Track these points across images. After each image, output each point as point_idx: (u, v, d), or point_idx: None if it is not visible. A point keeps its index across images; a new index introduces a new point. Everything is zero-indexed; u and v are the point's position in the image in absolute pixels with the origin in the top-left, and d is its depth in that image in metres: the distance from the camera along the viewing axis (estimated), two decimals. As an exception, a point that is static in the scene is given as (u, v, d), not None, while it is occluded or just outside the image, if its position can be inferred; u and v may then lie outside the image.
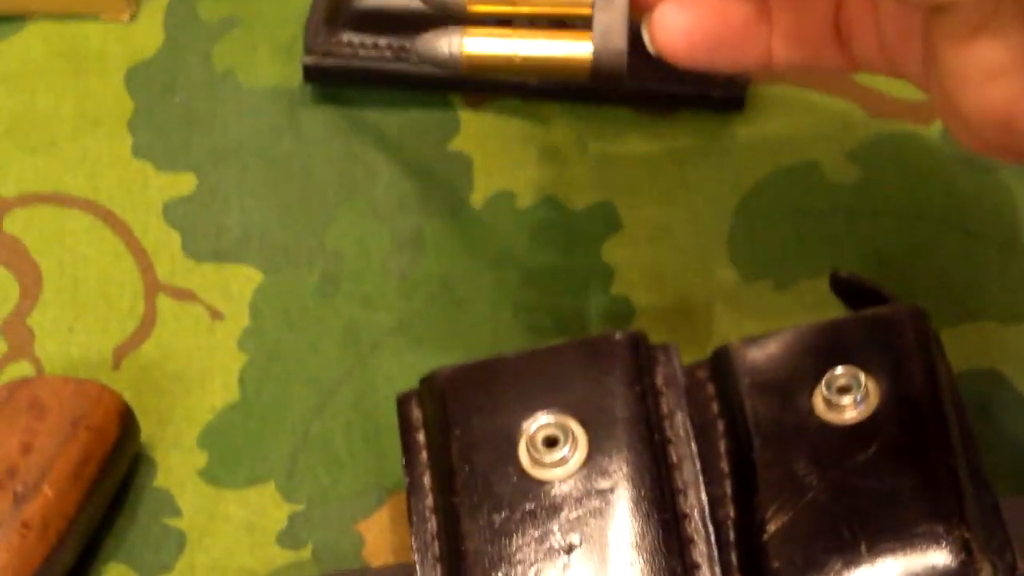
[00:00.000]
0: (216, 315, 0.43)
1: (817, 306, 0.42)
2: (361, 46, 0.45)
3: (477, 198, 0.45)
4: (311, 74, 0.45)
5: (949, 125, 0.31)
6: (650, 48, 0.32)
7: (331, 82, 0.46)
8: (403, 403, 0.37)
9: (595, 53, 0.32)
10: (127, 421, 0.39)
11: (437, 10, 0.33)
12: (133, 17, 0.48)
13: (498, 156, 0.46)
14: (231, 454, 0.41)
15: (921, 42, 0.30)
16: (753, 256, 0.43)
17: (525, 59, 0.33)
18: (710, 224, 0.44)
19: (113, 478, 0.39)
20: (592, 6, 0.32)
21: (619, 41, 0.32)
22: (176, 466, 0.40)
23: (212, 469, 0.40)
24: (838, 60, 0.33)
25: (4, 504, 0.36)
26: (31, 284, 0.43)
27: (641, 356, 0.35)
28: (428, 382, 0.36)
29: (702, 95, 0.45)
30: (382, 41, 0.45)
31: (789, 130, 0.46)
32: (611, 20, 0.32)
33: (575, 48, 0.33)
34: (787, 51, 0.33)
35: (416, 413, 0.36)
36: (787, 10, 0.32)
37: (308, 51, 0.45)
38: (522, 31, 0.33)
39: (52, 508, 0.36)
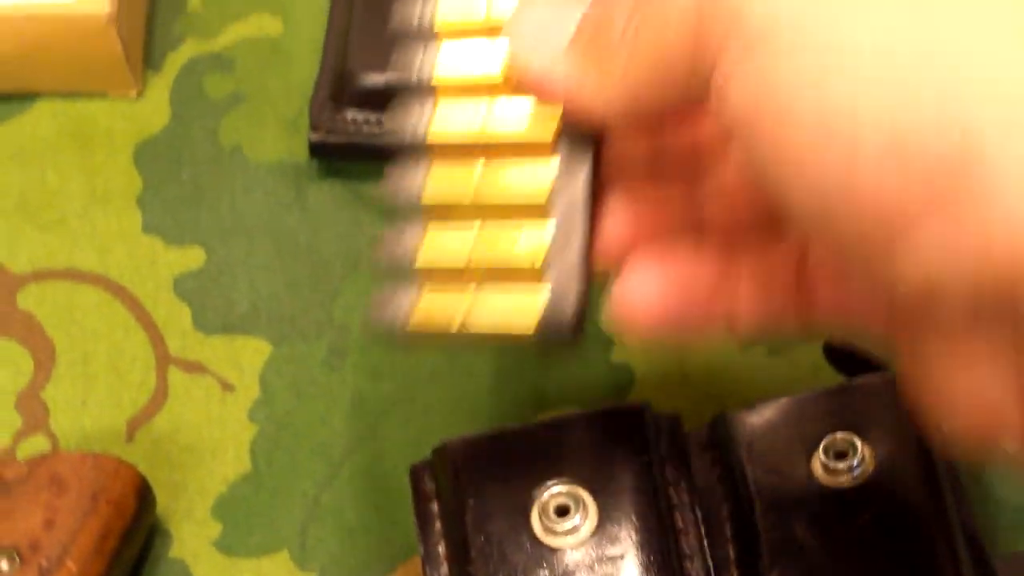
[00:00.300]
0: (227, 387, 0.44)
1: (812, 371, 0.43)
2: (365, 123, 0.47)
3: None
4: (317, 150, 0.47)
5: (917, 399, 0.27)
6: (608, 318, 0.31)
7: (336, 157, 0.47)
8: (415, 474, 0.38)
9: (541, 322, 0.30)
10: (144, 494, 0.40)
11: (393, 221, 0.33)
12: (140, 94, 0.50)
13: (498, 228, 0.47)
14: (244, 524, 0.42)
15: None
16: (747, 323, 0.45)
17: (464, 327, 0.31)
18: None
19: (132, 550, 0.39)
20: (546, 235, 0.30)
21: (569, 308, 0.30)
22: (190, 537, 0.41)
23: (226, 539, 0.41)
24: (802, 318, 0.31)
25: (28, 579, 0.37)
26: (45, 359, 0.44)
27: (648, 427, 0.37)
28: (440, 453, 0.37)
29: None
30: (385, 118, 0.47)
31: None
32: (564, 276, 0.30)
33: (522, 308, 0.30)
34: (751, 311, 0.31)
35: (429, 484, 0.37)
36: (753, 262, 0.31)
37: (314, 128, 0.47)
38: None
39: (75, 582, 0.37)
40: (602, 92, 0.29)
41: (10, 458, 0.41)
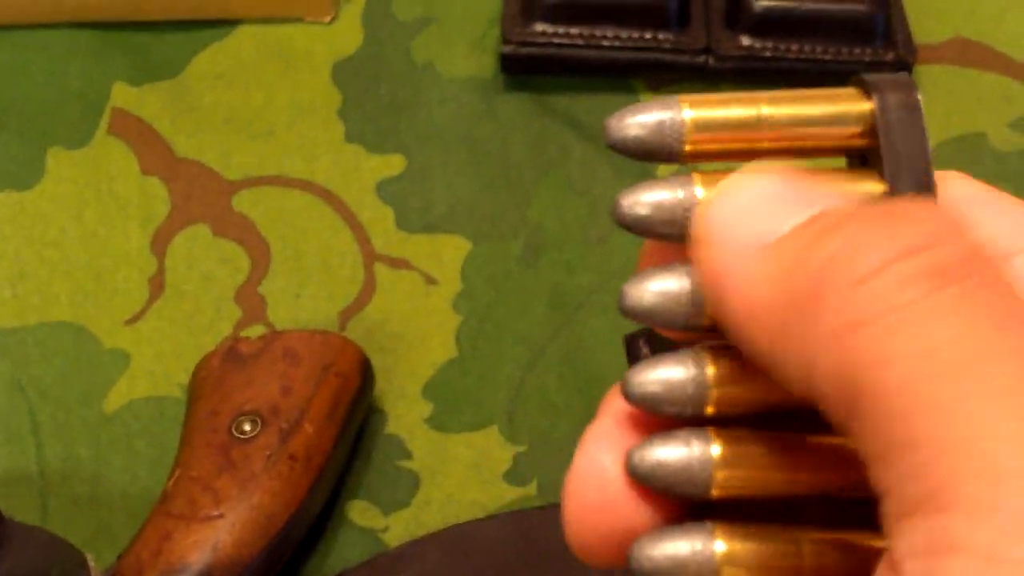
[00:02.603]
0: (430, 281, 0.47)
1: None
2: (555, 35, 0.49)
3: (663, 172, 0.48)
4: (508, 62, 0.50)
5: None
6: None
7: (526, 70, 0.50)
8: (631, 341, 0.40)
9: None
10: (366, 369, 0.43)
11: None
12: (334, 19, 0.53)
13: (681, 134, 0.49)
14: (454, 403, 0.44)
15: None
16: (928, 218, 0.47)
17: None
18: (884, 191, 0.47)
19: (356, 421, 0.42)
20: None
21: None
22: (404, 415, 0.44)
23: (438, 417, 0.44)
24: None
25: (273, 439, 0.39)
26: (260, 257, 0.48)
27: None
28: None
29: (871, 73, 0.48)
30: (574, 30, 0.49)
31: (953, 103, 0.49)
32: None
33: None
34: None
35: (645, 349, 0.39)
36: None
37: (506, 41, 0.49)
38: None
39: (313, 443, 0.40)
40: (799, 351, 0.17)
41: (242, 336, 0.44)
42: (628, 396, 0.20)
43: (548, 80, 0.50)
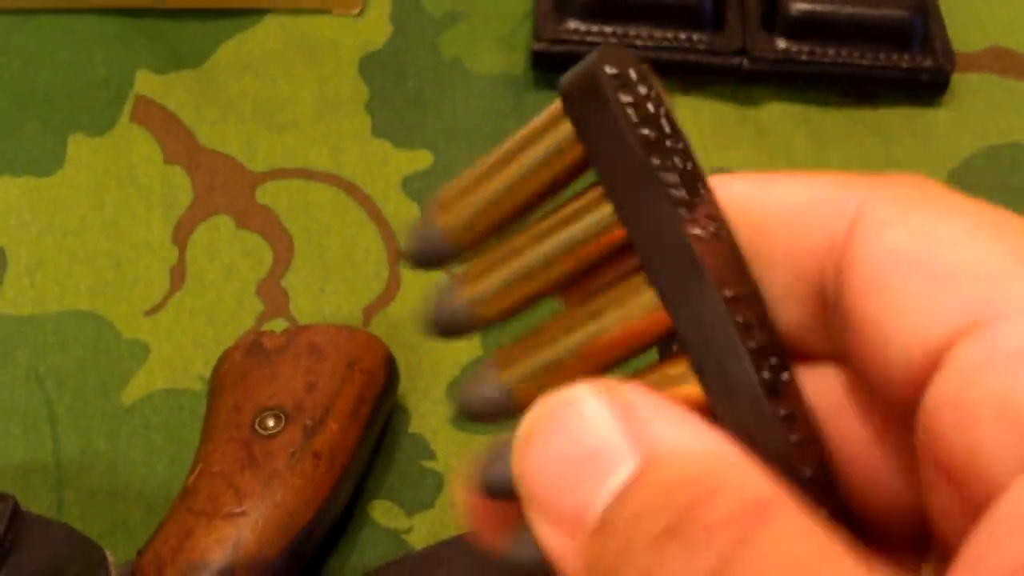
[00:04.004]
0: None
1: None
2: (588, 33, 0.48)
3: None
4: (539, 59, 0.49)
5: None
6: None
7: (558, 68, 0.49)
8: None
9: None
10: (391, 367, 0.42)
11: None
12: (362, 11, 0.52)
13: (713, 136, 0.48)
14: (479, 404, 0.43)
15: None
16: (963, 228, 0.46)
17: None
18: (919, 199, 0.47)
19: (381, 419, 0.41)
20: None
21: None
22: (428, 414, 0.43)
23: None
24: None
25: (296, 436, 0.39)
26: (283, 250, 0.47)
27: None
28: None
29: (908, 80, 0.48)
30: (607, 29, 0.48)
31: (990, 113, 0.48)
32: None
33: None
34: None
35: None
36: None
37: (537, 38, 0.49)
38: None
39: (337, 440, 0.39)
40: None
41: (266, 330, 0.44)
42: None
43: (578, 79, 0.50)
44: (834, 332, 0.20)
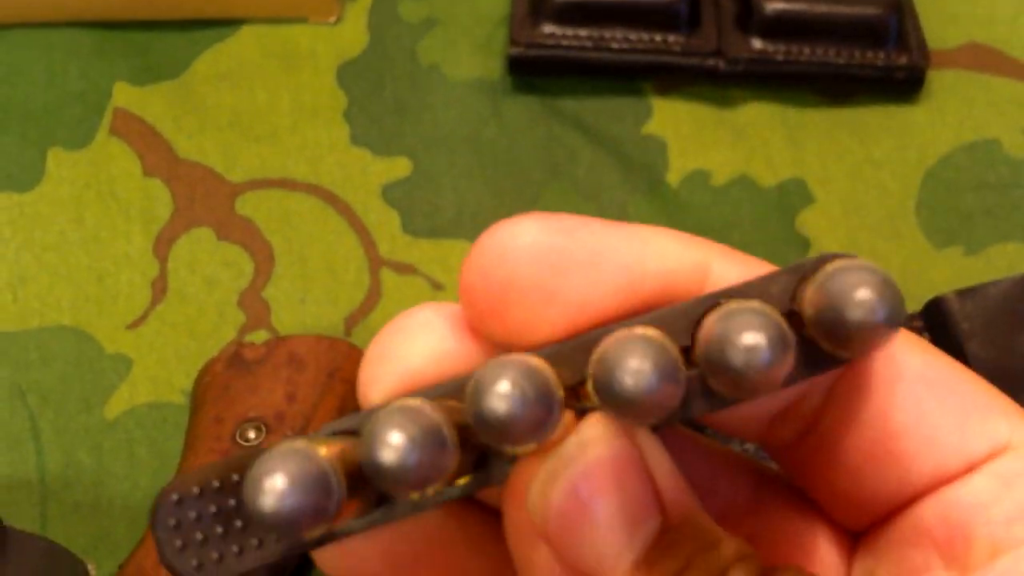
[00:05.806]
0: (437, 286, 0.46)
1: (1009, 269, 0.44)
2: (563, 37, 0.48)
3: (673, 177, 0.48)
4: (515, 64, 0.49)
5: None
6: None
7: (533, 72, 0.49)
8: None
9: None
10: (373, 377, 0.42)
11: None
12: (339, 19, 0.52)
13: (691, 138, 0.48)
14: (461, 411, 0.43)
15: None
16: (942, 225, 0.46)
17: None
18: (897, 197, 0.47)
19: (362, 428, 0.42)
20: None
21: None
22: (410, 422, 0.43)
23: (444, 425, 0.43)
24: None
25: (277, 446, 0.39)
26: (264, 260, 0.47)
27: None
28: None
29: (884, 77, 0.48)
30: (583, 32, 0.48)
31: (967, 109, 0.48)
32: None
33: None
34: None
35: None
36: None
37: (513, 43, 0.49)
38: None
39: (318, 451, 0.39)
40: None
41: (246, 342, 0.44)
42: None
43: (556, 83, 0.50)
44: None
